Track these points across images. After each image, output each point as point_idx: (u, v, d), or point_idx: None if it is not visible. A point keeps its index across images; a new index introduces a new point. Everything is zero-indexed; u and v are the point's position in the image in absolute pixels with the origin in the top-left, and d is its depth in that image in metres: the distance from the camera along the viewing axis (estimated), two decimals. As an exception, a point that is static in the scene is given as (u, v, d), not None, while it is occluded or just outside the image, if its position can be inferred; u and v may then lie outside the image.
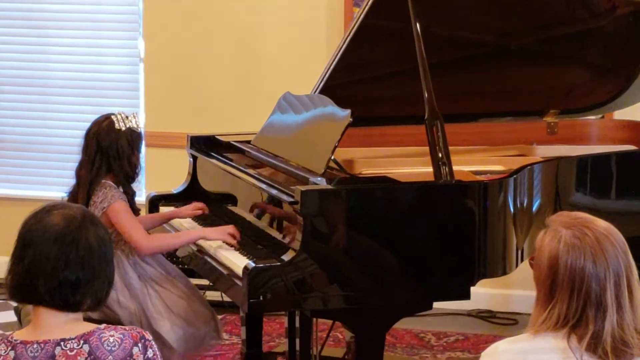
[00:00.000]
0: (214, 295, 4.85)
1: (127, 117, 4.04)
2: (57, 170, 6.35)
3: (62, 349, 2.42)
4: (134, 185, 4.12)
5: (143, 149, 4.17)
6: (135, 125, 4.06)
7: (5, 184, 6.57)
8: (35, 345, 2.44)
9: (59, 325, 2.45)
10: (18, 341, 2.45)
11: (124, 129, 4.02)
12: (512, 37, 4.53)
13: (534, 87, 4.71)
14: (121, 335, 2.44)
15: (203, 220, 4.33)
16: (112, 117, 4.04)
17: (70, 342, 2.43)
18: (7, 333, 2.54)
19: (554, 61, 4.69)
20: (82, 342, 2.43)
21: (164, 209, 4.56)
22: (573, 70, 4.77)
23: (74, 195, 4.05)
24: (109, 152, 4.01)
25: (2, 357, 2.43)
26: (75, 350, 2.42)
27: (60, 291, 2.43)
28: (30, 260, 2.44)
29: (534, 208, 3.98)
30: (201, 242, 4.05)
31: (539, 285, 2.46)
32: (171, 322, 4.01)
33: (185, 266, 4.50)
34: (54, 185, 6.23)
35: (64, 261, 2.42)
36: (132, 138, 4.04)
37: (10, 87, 6.51)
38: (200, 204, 4.30)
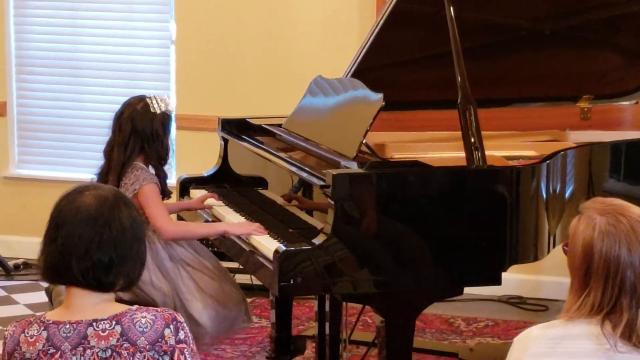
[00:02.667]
0: (243, 279, 4.86)
1: (161, 100, 4.05)
2: (89, 152, 6.36)
3: (94, 329, 2.43)
4: (166, 168, 4.13)
5: (174, 131, 4.17)
6: (169, 107, 4.08)
7: (38, 165, 6.60)
8: (67, 326, 2.45)
9: (92, 306, 2.46)
10: (50, 321, 2.46)
11: (159, 112, 4.03)
12: (546, 22, 4.49)
13: (567, 72, 4.68)
14: (153, 317, 2.45)
15: (235, 204, 4.33)
16: (147, 100, 4.05)
17: (102, 322, 2.43)
18: (40, 313, 2.55)
19: (587, 46, 4.65)
20: (114, 322, 2.43)
21: (195, 192, 4.57)
22: (607, 55, 4.73)
23: (103, 176, 4.06)
24: (144, 134, 4.02)
25: (35, 337, 2.45)
26: (107, 331, 2.43)
27: (93, 272, 2.44)
28: (63, 241, 2.45)
29: (567, 194, 3.96)
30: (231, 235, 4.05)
31: (573, 272, 2.44)
32: (203, 302, 4.02)
33: (216, 249, 4.50)
34: (86, 167, 6.23)
35: (97, 242, 2.43)
36: (166, 121, 4.06)
37: (43, 68, 6.53)
38: (208, 194, 4.33)
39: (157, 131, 4.03)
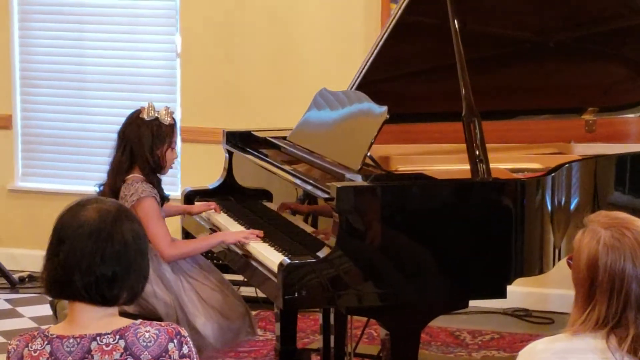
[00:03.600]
0: (248, 291, 4.85)
1: (154, 109, 4.04)
2: (93, 164, 6.37)
3: (98, 344, 2.42)
4: (166, 177, 4.13)
5: (179, 143, 4.16)
6: (163, 117, 4.05)
7: (43, 178, 6.60)
8: (71, 340, 2.44)
9: (95, 320, 2.46)
10: (54, 336, 2.46)
11: (147, 118, 4.02)
12: (551, 34, 4.49)
13: (572, 85, 4.67)
14: (157, 331, 2.44)
15: (239, 216, 4.33)
16: (141, 107, 4.06)
17: (106, 337, 2.43)
18: (44, 327, 2.54)
19: (593, 58, 4.65)
20: (117, 337, 2.42)
21: (200, 204, 4.56)
22: (612, 67, 4.73)
23: (104, 189, 4.07)
24: (131, 140, 4.02)
25: (38, 352, 2.44)
26: (111, 346, 2.42)
27: (96, 286, 2.43)
28: (65, 256, 2.44)
29: (572, 207, 3.95)
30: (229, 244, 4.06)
31: (578, 286, 2.43)
32: (206, 315, 4.02)
33: (220, 261, 4.50)
34: (90, 179, 6.20)
35: (100, 256, 2.42)
36: (159, 129, 4.03)
37: (48, 81, 6.53)
38: (212, 204, 4.35)
39: (144, 138, 4.01)
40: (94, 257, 2.42)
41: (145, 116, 4.03)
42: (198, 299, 4.04)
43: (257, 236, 3.97)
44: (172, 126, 4.09)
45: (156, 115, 4.04)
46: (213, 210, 4.37)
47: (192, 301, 4.03)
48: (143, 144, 4.01)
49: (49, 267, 2.47)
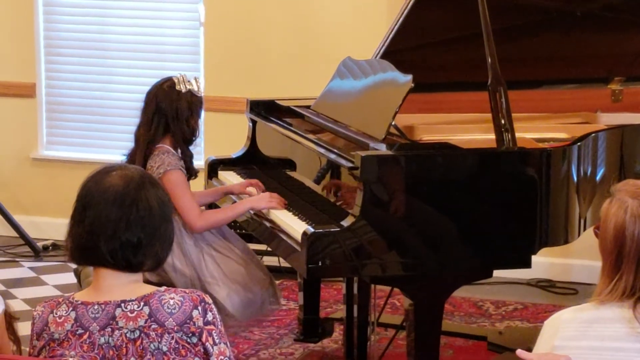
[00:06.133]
0: (271, 261, 4.85)
1: (188, 80, 4.04)
2: (117, 133, 6.38)
3: (122, 310, 2.43)
4: (193, 149, 4.12)
5: (202, 113, 4.15)
6: (196, 89, 4.05)
7: (67, 147, 6.61)
8: (96, 306, 2.44)
9: (120, 287, 2.46)
10: (79, 302, 2.46)
11: (184, 90, 4.02)
12: (577, 3, 4.45)
13: (598, 54, 4.64)
14: (181, 298, 2.44)
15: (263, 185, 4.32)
16: (174, 78, 4.05)
17: (130, 303, 2.43)
18: (68, 294, 2.55)
19: (619, 27, 4.61)
20: (142, 303, 2.43)
21: (223, 173, 4.56)
22: (639, 36, 4.68)
23: (132, 157, 4.06)
24: (168, 112, 4.01)
25: (63, 318, 2.45)
26: (135, 312, 2.42)
27: (122, 252, 2.43)
28: (90, 222, 2.45)
29: (598, 177, 3.93)
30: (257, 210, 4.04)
31: (605, 256, 2.42)
32: (228, 288, 4.01)
33: (244, 231, 4.50)
34: (114, 148, 6.25)
35: (125, 222, 2.43)
36: (192, 101, 4.04)
37: (72, 50, 6.53)
38: (253, 181, 4.27)
39: (181, 110, 4.01)
40: (119, 223, 2.42)
41: (181, 88, 4.02)
42: (220, 273, 4.03)
43: (282, 203, 3.96)
44: (202, 96, 4.10)
45: (189, 87, 4.03)
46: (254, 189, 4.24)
47: (212, 275, 4.02)
48: (181, 117, 4.00)
49: (74, 234, 2.48)
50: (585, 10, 4.45)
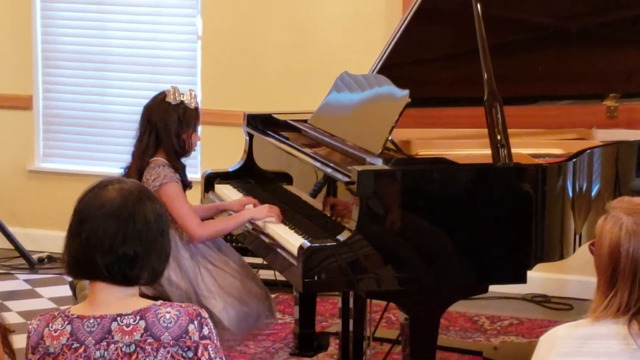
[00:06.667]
0: (267, 274, 4.86)
1: (180, 92, 4.03)
2: (114, 146, 6.39)
3: (118, 324, 2.43)
4: (186, 161, 4.10)
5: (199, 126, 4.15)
6: (189, 101, 4.03)
7: (63, 159, 6.61)
8: (92, 320, 2.45)
9: (116, 301, 2.46)
10: (75, 316, 2.46)
11: (173, 102, 4.00)
12: (573, 20, 4.47)
13: (594, 71, 4.65)
14: (177, 312, 2.44)
15: (260, 199, 4.32)
16: (166, 91, 4.04)
17: (126, 317, 2.43)
18: (64, 308, 2.55)
19: (615, 44, 4.63)
20: (138, 317, 2.43)
21: (220, 187, 4.57)
22: (635, 53, 4.70)
23: (128, 171, 4.06)
24: (158, 125, 4.00)
25: (59, 332, 2.45)
26: (131, 326, 2.42)
27: (118, 265, 2.44)
28: (87, 236, 2.45)
29: (593, 193, 3.94)
30: (256, 221, 4.05)
31: (600, 272, 2.43)
32: (224, 301, 4.01)
33: (240, 244, 4.50)
34: (111, 161, 6.27)
35: (122, 236, 2.43)
36: (184, 114, 4.01)
37: (69, 62, 6.54)
38: (252, 200, 4.24)
39: (170, 122, 3.99)
40: (115, 236, 2.43)
41: (171, 100, 4.01)
42: (216, 286, 4.03)
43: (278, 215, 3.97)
44: (197, 109, 4.08)
45: (181, 99, 4.02)
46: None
47: (208, 288, 4.02)
48: (169, 129, 3.99)
49: (71, 247, 2.48)
50: (580, 27, 4.47)
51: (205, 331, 2.45)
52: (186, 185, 4.09)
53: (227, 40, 6.18)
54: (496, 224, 3.66)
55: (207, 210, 4.34)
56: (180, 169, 4.04)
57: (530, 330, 5.32)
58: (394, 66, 4.25)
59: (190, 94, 4.06)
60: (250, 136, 4.63)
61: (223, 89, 6.20)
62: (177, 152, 4.03)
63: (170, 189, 3.96)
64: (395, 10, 5.81)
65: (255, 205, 4.19)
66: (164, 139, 4.00)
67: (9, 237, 6.28)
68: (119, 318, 2.43)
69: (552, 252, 3.79)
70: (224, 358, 2.48)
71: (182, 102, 4.02)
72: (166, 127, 3.99)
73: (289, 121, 4.48)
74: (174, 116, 4.00)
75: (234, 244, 4.61)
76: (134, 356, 2.41)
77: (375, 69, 4.30)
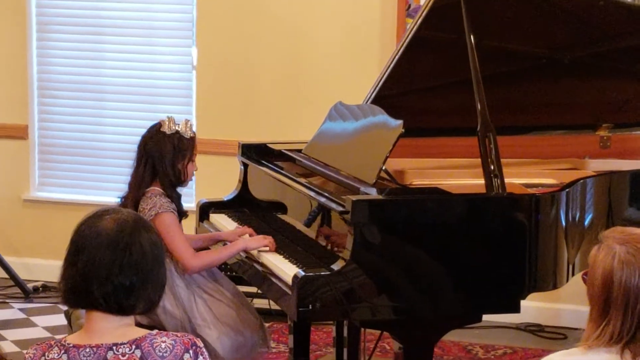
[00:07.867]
0: (261, 303, 4.86)
1: (176, 123, 4.05)
2: (110, 175, 6.40)
3: (114, 353, 2.44)
4: (183, 189, 4.11)
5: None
6: (184, 130, 4.05)
7: (59, 188, 6.62)
8: (87, 349, 2.45)
9: (112, 330, 2.47)
10: (71, 345, 2.47)
11: (169, 132, 4.02)
12: (565, 50, 4.50)
13: (587, 101, 4.68)
14: (173, 342, 2.45)
15: (254, 228, 4.33)
16: (161, 121, 4.06)
17: (122, 346, 2.44)
18: (59, 337, 2.56)
19: (607, 75, 4.66)
20: (134, 347, 2.44)
21: (214, 216, 4.58)
22: (627, 84, 4.73)
23: (125, 201, 4.07)
24: (153, 154, 4.01)
25: (55, 361, 2.46)
26: (127, 355, 2.43)
27: (114, 295, 2.45)
28: (83, 265, 2.46)
29: (586, 222, 3.96)
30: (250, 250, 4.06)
31: (593, 302, 2.44)
32: (219, 331, 4.01)
33: (234, 273, 4.50)
34: (108, 190, 6.29)
35: (118, 266, 2.44)
36: (180, 143, 4.02)
37: (65, 92, 6.56)
38: (247, 229, 4.27)
39: (165, 152, 4.00)
40: (112, 266, 2.44)
41: (166, 130, 4.03)
42: (211, 315, 4.03)
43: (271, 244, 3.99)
44: (193, 139, 4.09)
45: (177, 128, 4.04)
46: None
47: (203, 317, 4.02)
48: (164, 159, 4.00)
49: (67, 277, 2.49)
50: (573, 58, 4.50)
51: (201, 360, 2.46)
52: (182, 214, 4.10)
53: (222, 70, 6.21)
54: (489, 254, 3.67)
55: (200, 239, 4.35)
56: (175, 199, 4.06)
57: (524, 359, 5.33)
58: (388, 96, 4.28)
59: (186, 123, 4.09)
60: (245, 165, 4.64)
61: (218, 118, 6.23)
62: (173, 182, 4.04)
63: (166, 219, 3.97)
64: (389, 41, 5.85)
65: (251, 235, 4.21)
66: (159, 168, 4.01)
67: (4, 266, 6.27)
68: (114, 347, 2.44)
69: (546, 282, 3.80)
70: (219, 387, 2.49)
71: (177, 131, 4.04)
72: (161, 156, 4.01)
73: (284, 151, 4.51)
74: (169, 146, 4.01)
75: (228, 273, 4.62)
76: (130, 385, 2.42)
77: (369, 99, 4.33)
